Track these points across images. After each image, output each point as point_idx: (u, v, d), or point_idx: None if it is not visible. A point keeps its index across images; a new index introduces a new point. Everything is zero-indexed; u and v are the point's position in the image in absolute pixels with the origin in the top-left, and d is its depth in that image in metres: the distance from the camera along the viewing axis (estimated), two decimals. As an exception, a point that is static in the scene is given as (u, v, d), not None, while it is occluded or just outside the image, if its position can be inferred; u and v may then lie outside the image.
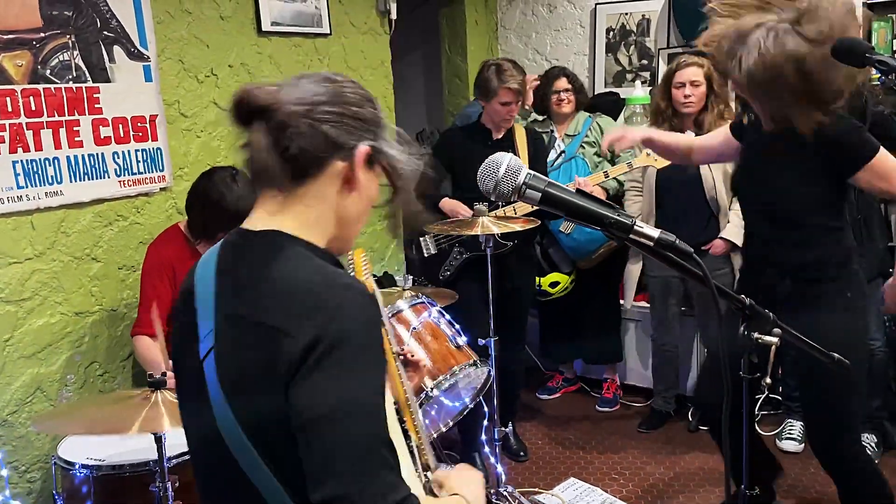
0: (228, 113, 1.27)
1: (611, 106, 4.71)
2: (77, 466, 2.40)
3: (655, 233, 1.17)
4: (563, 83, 4.27)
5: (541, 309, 4.57)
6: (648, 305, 4.20)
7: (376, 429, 1.12)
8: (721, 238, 3.71)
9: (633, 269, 4.16)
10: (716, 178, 3.71)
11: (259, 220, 1.30)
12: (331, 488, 1.07)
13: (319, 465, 1.09)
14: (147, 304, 2.97)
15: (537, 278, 4.25)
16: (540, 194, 1.18)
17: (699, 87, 3.69)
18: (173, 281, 2.98)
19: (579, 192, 1.18)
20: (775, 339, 1.34)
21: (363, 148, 1.27)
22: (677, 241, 1.16)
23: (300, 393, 1.11)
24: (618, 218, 1.16)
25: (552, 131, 4.34)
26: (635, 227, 1.16)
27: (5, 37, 2.78)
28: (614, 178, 4.14)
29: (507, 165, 1.19)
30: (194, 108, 3.46)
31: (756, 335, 1.34)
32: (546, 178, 1.20)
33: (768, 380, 1.38)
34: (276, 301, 1.17)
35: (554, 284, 4.29)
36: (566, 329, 4.52)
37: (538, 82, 4.39)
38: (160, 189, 3.32)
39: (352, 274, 1.87)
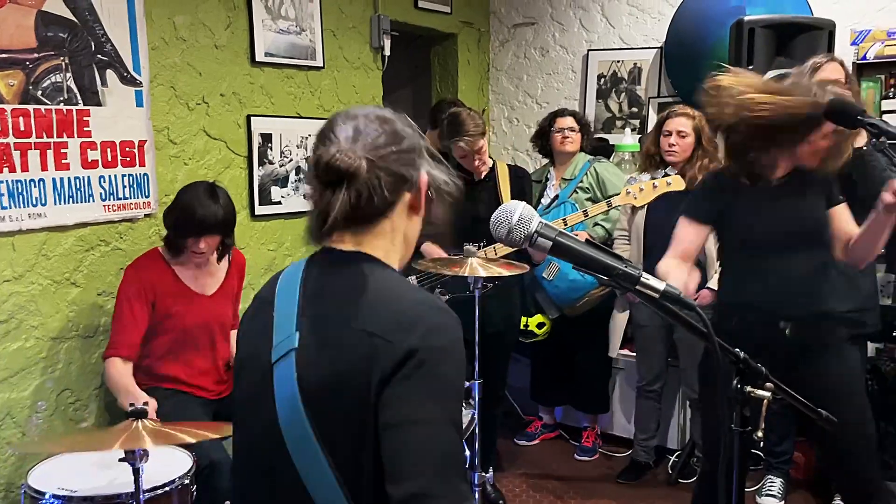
0: (317, 179, 1.36)
1: (600, 152, 4.79)
2: (48, 496, 2.37)
3: (661, 285, 1.22)
4: (567, 121, 4.36)
5: (532, 353, 4.61)
6: (633, 354, 4.25)
7: (459, 441, 1.25)
8: (708, 288, 3.77)
9: (620, 318, 4.21)
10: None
11: (345, 243, 1.41)
12: (417, 485, 1.18)
13: (407, 463, 1.20)
14: (122, 325, 2.99)
15: (524, 318, 4.29)
16: (551, 243, 1.23)
17: (685, 138, 3.78)
18: (152, 302, 3.01)
19: (588, 242, 1.24)
20: (767, 394, 1.39)
21: (424, 177, 1.40)
22: (682, 295, 1.22)
23: (396, 394, 1.22)
24: (625, 269, 1.21)
25: (547, 178, 4.42)
26: (642, 280, 1.22)
27: (-1, 56, 2.82)
28: (601, 225, 4.22)
29: (520, 214, 1.24)
30: (183, 136, 3.51)
31: (749, 389, 1.39)
32: (557, 228, 1.25)
33: (760, 433, 1.43)
34: (373, 311, 1.28)
35: (541, 325, 4.34)
36: (558, 374, 4.56)
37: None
38: (145, 215, 3.35)
39: None
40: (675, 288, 1.21)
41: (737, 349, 1.38)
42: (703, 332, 1.29)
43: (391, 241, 1.41)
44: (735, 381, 1.40)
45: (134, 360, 3.01)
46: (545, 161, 4.63)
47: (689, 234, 2.77)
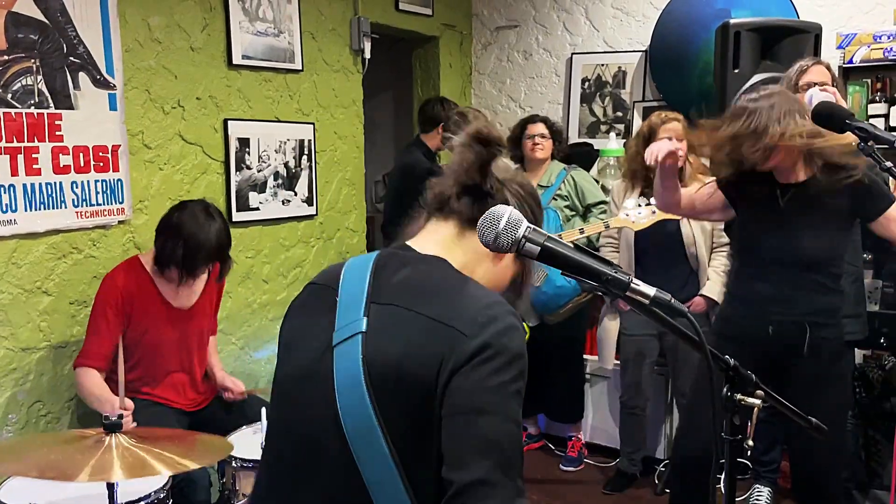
0: (464, 138, 1.45)
1: (584, 157, 4.82)
2: (18, 512, 2.36)
3: (651, 291, 1.22)
4: (538, 128, 4.36)
5: None
6: (619, 363, 4.25)
7: (520, 438, 1.28)
8: (702, 295, 3.80)
9: (611, 327, 4.21)
10: (696, 233, 3.81)
11: (424, 244, 1.46)
12: (480, 473, 1.21)
13: (472, 450, 1.23)
14: (97, 335, 2.97)
15: None
16: (539, 248, 1.23)
17: (682, 142, 3.78)
18: (128, 315, 2.99)
19: (577, 247, 1.24)
20: (758, 402, 1.40)
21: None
22: (673, 301, 1.22)
23: (466, 383, 1.25)
24: (615, 275, 1.21)
25: None
26: (632, 285, 1.22)
27: (-32, 58, 2.79)
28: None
29: (508, 218, 1.24)
30: (158, 140, 3.48)
31: (739, 397, 1.40)
32: (545, 233, 1.25)
33: (750, 442, 1.43)
34: (449, 305, 1.32)
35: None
36: (531, 382, 4.55)
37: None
38: (118, 222, 3.32)
39: None
40: (666, 294, 1.22)
41: (727, 356, 1.39)
42: (693, 340, 1.29)
43: (469, 261, 1.45)
44: (725, 389, 1.41)
45: (105, 371, 2.99)
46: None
47: (707, 190, 2.91)
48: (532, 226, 1.26)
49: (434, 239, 1.46)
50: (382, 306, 1.35)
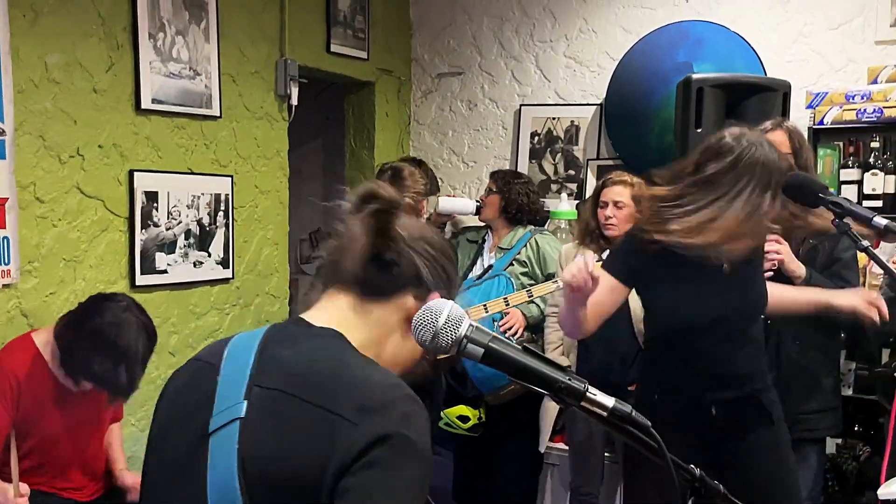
0: (353, 202, 1.46)
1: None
2: None
3: (610, 402, 1.20)
4: (487, 184, 4.42)
5: (456, 448, 4.55)
6: (567, 448, 4.23)
7: None
8: None
9: (550, 406, 4.19)
10: (644, 309, 3.79)
11: (319, 318, 1.44)
12: None
13: None
14: None
15: (442, 412, 4.25)
16: (483, 350, 1.21)
17: (623, 209, 3.75)
18: (16, 402, 2.90)
19: (526, 349, 1.22)
20: (727, 516, 1.38)
21: (436, 296, 1.43)
22: (634, 413, 1.20)
23: (358, 484, 1.20)
24: (569, 383, 1.19)
25: (483, 242, 4.45)
26: (588, 395, 1.20)
27: None
28: (535, 303, 4.21)
29: (448, 315, 1.22)
30: (53, 193, 3.41)
31: (705, 511, 1.38)
32: (490, 332, 1.23)
33: (718, 562, 1.41)
34: (338, 390, 1.28)
35: (464, 419, 4.29)
36: (481, 472, 4.49)
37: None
38: (3, 286, 3.23)
39: None
40: (626, 405, 1.20)
41: (692, 465, 1.37)
42: (656, 451, 1.27)
43: (374, 335, 1.44)
44: (690, 502, 1.39)
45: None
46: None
47: (600, 290, 2.68)
48: (475, 324, 1.24)
49: (330, 313, 1.44)
50: (265, 390, 1.31)
